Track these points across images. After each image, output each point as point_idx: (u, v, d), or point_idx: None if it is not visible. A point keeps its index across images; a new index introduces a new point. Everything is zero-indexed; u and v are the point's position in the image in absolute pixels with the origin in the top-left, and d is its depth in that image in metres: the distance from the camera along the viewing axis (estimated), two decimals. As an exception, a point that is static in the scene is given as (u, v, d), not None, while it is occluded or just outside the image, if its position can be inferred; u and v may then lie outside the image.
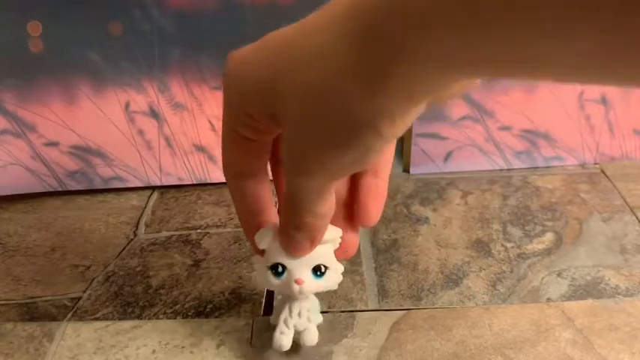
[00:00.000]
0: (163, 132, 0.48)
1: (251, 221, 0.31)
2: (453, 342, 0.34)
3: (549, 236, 0.42)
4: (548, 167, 0.50)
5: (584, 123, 0.50)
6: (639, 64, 0.16)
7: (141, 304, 0.38)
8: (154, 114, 0.48)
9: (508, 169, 0.50)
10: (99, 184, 0.49)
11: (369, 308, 0.37)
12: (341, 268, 0.31)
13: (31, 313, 0.37)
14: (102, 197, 0.49)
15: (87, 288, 0.39)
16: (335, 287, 0.32)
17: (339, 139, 0.23)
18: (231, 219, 0.46)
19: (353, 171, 0.27)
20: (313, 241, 0.29)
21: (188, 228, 0.45)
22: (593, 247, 0.41)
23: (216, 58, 0.47)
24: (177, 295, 0.38)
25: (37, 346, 0.35)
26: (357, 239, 0.33)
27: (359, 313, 0.36)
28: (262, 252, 0.31)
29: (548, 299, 0.37)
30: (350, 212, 0.32)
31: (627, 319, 0.35)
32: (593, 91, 0.49)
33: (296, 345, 0.32)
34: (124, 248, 0.43)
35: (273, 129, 0.27)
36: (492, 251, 0.41)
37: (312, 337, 0.32)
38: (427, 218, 0.45)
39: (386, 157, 0.31)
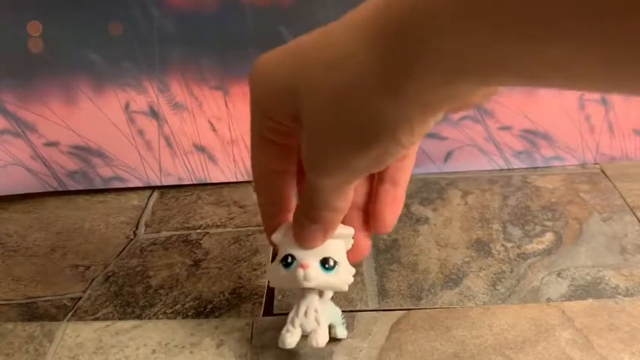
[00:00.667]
0: (163, 132, 0.48)
1: (273, 216, 0.32)
2: (453, 342, 0.34)
3: (549, 236, 0.42)
4: (548, 167, 0.50)
5: (584, 123, 0.50)
6: None
7: (141, 304, 0.38)
8: (154, 114, 0.48)
9: (508, 169, 0.50)
10: (99, 184, 0.49)
11: (369, 308, 0.37)
12: (352, 270, 0.31)
13: (31, 313, 0.37)
14: (102, 197, 0.49)
15: (87, 288, 0.39)
16: (345, 288, 0.31)
17: (358, 140, 0.24)
18: (231, 219, 0.46)
19: (371, 172, 0.27)
20: (326, 233, 0.30)
21: (188, 228, 0.45)
22: (593, 247, 0.41)
23: (216, 58, 0.47)
24: (177, 295, 0.38)
25: (37, 346, 0.35)
26: (369, 244, 0.33)
27: (359, 313, 0.36)
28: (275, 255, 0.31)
29: (548, 299, 0.37)
30: (366, 217, 0.32)
31: (627, 319, 0.35)
32: (593, 91, 0.49)
33: (297, 345, 0.32)
34: (123, 248, 0.43)
35: (296, 131, 0.28)
36: (492, 251, 0.41)
37: (318, 339, 0.31)
38: (427, 218, 0.45)
39: (405, 165, 0.31)
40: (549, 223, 0.44)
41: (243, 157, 0.49)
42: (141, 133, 0.48)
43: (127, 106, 0.47)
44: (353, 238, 0.31)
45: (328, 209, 0.29)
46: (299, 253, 0.30)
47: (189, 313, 0.37)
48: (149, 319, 0.37)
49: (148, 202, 0.48)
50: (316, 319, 0.31)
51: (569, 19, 0.16)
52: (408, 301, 0.37)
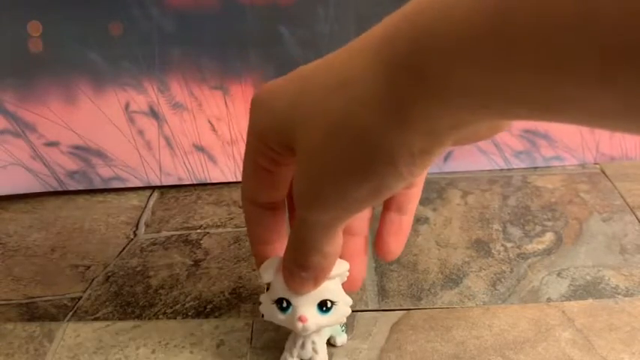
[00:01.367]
0: (163, 132, 0.48)
1: (260, 250, 0.31)
2: (453, 342, 0.34)
3: (549, 236, 0.42)
4: (548, 167, 0.50)
5: (584, 123, 0.50)
6: None
7: (141, 304, 0.38)
8: (153, 114, 0.48)
9: (508, 169, 0.50)
10: (99, 184, 0.49)
11: (369, 308, 0.37)
12: (349, 301, 0.30)
13: (31, 313, 0.37)
14: (102, 197, 0.49)
15: (87, 288, 0.39)
16: (343, 320, 0.31)
17: (355, 169, 0.23)
18: (231, 219, 0.46)
19: (367, 206, 0.26)
20: (317, 281, 0.29)
21: (188, 228, 0.45)
22: (593, 247, 0.41)
23: (216, 58, 0.47)
24: (177, 295, 0.38)
25: (37, 346, 0.35)
26: (364, 269, 0.33)
27: (359, 313, 0.36)
28: (268, 284, 0.30)
29: (548, 299, 0.37)
30: (364, 243, 0.32)
31: (627, 319, 0.35)
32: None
33: None
34: (124, 248, 0.43)
35: (289, 160, 0.27)
36: (492, 251, 0.41)
37: None
38: (427, 218, 0.45)
39: (412, 193, 0.31)
40: (549, 223, 0.44)
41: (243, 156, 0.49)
42: (141, 133, 0.48)
43: (126, 106, 0.47)
44: (349, 270, 0.30)
45: (318, 254, 0.27)
46: (294, 299, 0.29)
47: (189, 313, 0.37)
48: (149, 319, 0.37)
49: (147, 202, 0.48)
50: (314, 349, 0.31)
51: (575, 62, 0.16)
52: (408, 301, 0.37)
